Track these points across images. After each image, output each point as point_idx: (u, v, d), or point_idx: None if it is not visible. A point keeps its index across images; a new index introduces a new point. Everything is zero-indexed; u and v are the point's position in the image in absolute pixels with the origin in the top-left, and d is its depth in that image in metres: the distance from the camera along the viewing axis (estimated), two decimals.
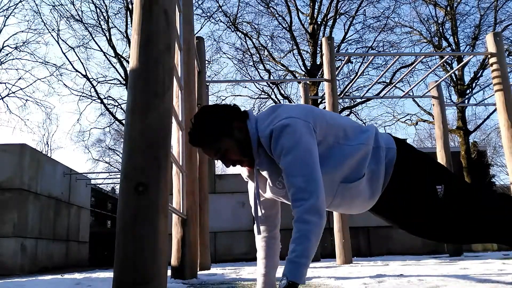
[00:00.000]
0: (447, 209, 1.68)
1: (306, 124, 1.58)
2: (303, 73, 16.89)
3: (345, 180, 1.65)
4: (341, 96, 10.14)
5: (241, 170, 1.82)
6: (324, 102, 12.12)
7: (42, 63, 18.50)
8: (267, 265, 1.79)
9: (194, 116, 1.71)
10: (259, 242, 1.84)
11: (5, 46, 17.46)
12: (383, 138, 1.74)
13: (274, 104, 1.79)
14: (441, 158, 7.62)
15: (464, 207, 1.69)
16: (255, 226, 1.82)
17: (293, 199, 1.52)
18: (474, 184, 1.81)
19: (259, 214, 1.80)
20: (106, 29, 17.32)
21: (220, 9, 17.41)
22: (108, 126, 20.84)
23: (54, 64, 18.47)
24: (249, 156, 1.68)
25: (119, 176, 2.59)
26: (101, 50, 18.00)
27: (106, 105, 17.64)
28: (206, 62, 10.26)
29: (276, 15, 17.52)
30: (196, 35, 5.72)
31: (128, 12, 16.43)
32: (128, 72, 3.75)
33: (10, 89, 17.68)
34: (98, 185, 18.12)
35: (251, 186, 1.82)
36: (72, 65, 17.63)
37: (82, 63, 23.70)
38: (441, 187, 1.67)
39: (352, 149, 1.64)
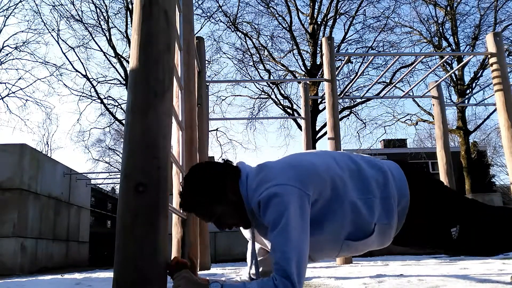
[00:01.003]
0: (460, 245, 1.65)
1: (293, 190, 1.44)
2: (303, 73, 16.89)
3: (351, 237, 1.56)
4: (341, 96, 10.14)
5: (245, 232, 1.77)
6: (324, 102, 12.12)
7: (42, 63, 18.56)
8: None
9: (184, 178, 1.65)
10: (246, 274, 1.81)
11: (5, 46, 17.50)
12: (394, 181, 1.60)
13: (260, 164, 1.64)
14: (441, 158, 7.62)
15: (478, 240, 1.65)
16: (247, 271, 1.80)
17: (273, 269, 1.43)
18: (487, 210, 1.72)
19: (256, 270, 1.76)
20: (106, 29, 17.36)
21: (220, 9, 17.45)
22: (108, 126, 20.86)
23: (54, 64, 18.52)
24: (245, 218, 1.60)
25: (119, 176, 2.59)
26: (101, 50, 18.06)
27: (106, 105, 17.67)
28: (206, 62, 10.25)
29: (276, 15, 17.55)
30: (196, 35, 5.72)
31: (128, 12, 16.45)
32: (128, 72, 3.75)
33: (10, 89, 17.71)
34: (98, 185, 18.13)
35: (250, 244, 1.76)
36: (72, 65, 17.69)
37: (82, 63, 23.75)
38: (456, 228, 1.61)
39: (354, 203, 1.52)
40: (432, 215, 1.63)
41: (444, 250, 1.76)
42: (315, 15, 16.83)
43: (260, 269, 1.77)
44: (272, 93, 17.61)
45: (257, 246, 1.79)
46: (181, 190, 1.66)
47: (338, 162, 1.60)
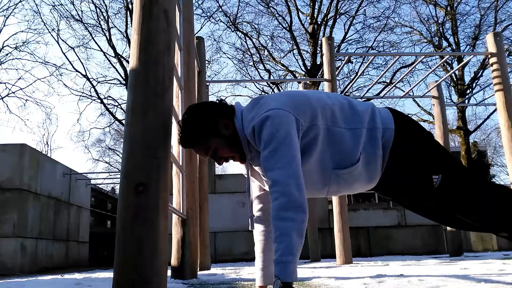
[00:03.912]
0: (440, 199, 1.65)
1: (285, 113, 1.53)
2: (303, 73, 16.89)
3: (338, 166, 1.61)
4: None
5: (242, 168, 1.83)
6: None
7: (42, 63, 18.63)
8: (265, 259, 1.78)
9: (182, 117, 1.74)
10: (257, 236, 1.83)
11: (5, 46, 17.51)
12: (381, 116, 1.68)
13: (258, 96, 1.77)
14: None
15: (459, 200, 1.65)
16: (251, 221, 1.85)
17: (270, 193, 1.50)
18: (472, 173, 1.74)
19: (254, 209, 1.83)
20: (106, 29, 17.36)
21: (220, 9, 17.45)
22: (108, 126, 20.91)
23: (54, 64, 18.55)
24: (240, 151, 1.69)
25: (119, 176, 2.59)
26: (101, 50, 18.06)
27: (106, 105, 17.67)
28: (206, 62, 10.25)
29: (276, 15, 17.55)
30: (196, 35, 5.72)
31: (128, 12, 16.44)
32: (128, 72, 3.75)
33: (10, 89, 17.72)
34: (98, 185, 18.10)
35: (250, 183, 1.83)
36: (72, 65, 17.72)
37: (82, 63, 23.86)
38: (438, 177, 1.62)
39: (341, 133, 1.60)
40: (416, 156, 1.66)
41: (424, 203, 1.73)
42: (315, 15, 16.82)
43: (260, 206, 1.83)
44: (272, 93, 17.60)
45: (255, 185, 1.84)
46: (178, 128, 1.75)
47: (330, 96, 1.70)
